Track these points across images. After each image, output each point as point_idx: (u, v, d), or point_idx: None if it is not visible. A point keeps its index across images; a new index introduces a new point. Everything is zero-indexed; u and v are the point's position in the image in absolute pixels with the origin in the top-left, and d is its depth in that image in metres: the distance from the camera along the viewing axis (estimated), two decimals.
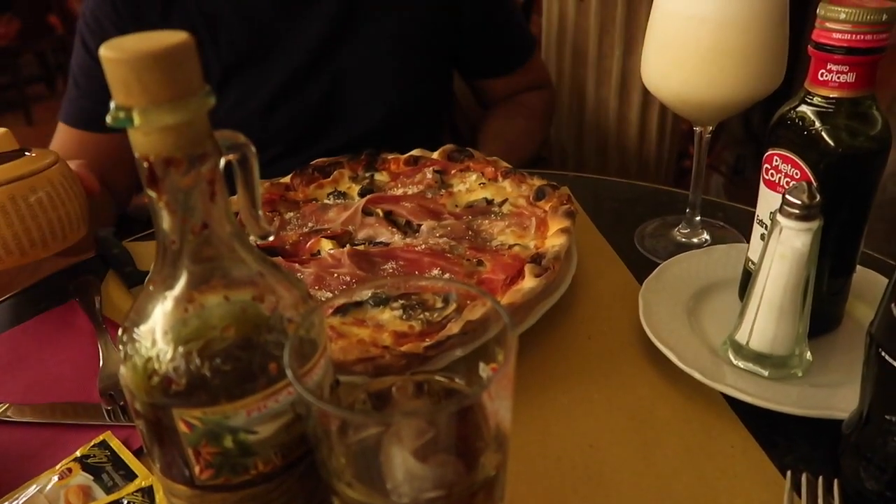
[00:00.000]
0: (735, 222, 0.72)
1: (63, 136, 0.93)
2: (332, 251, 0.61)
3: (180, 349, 0.33)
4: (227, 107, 0.93)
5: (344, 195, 0.72)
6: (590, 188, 0.83)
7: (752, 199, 0.56)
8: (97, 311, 0.61)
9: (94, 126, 0.93)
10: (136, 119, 0.30)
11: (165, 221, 0.33)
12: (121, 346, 0.35)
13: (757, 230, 0.55)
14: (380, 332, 0.50)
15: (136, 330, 0.34)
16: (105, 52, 0.29)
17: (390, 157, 0.77)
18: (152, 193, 0.32)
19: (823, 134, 0.47)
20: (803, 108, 0.48)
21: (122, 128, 0.31)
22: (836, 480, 0.41)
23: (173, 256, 0.33)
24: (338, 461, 0.33)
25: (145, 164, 0.31)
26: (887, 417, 0.38)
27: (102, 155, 0.90)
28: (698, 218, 0.69)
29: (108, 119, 0.30)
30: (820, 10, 0.46)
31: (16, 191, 0.59)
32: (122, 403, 0.50)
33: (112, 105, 0.30)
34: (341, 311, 0.51)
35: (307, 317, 0.35)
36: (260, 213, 0.38)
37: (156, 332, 0.34)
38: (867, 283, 0.57)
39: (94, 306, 0.61)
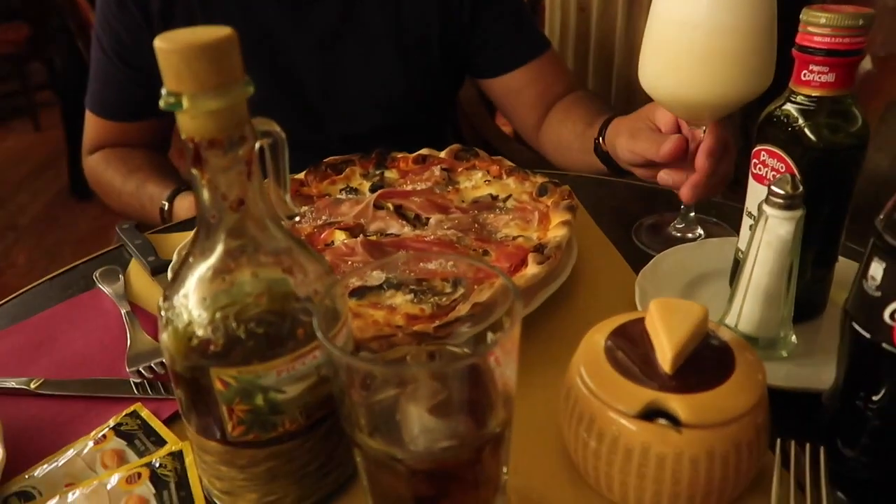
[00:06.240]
0: (728, 219, 0.75)
1: (91, 121, 1.04)
2: (346, 241, 0.64)
3: (218, 314, 0.37)
4: None
5: (356, 191, 0.76)
6: (590, 187, 0.86)
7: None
8: (123, 296, 0.64)
9: (114, 116, 1.02)
10: (185, 103, 0.33)
11: (206, 198, 0.36)
12: (162, 313, 0.38)
13: (746, 222, 0.58)
14: (393, 313, 0.54)
15: (176, 297, 0.38)
16: (159, 43, 0.33)
17: (399, 155, 0.81)
18: (196, 172, 0.36)
19: (806, 130, 0.51)
20: (788, 106, 0.52)
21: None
22: (821, 448, 0.44)
23: (212, 230, 0.37)
24: (360, 417, 0.36)
25: (191, 145, 0.35)
26: (859, 387, 0.41)
27: (124, 135, 1.02)
28: (693, 214, 0.72)
29: (161, 103, 0.34)
30: (802, 16, 0.50)
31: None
32: (150, 378, 0.53)
33: (163, 91, 0.34)
34: (357, 293, 0.55)
35: (331, 288, 0.39)
36: (288, 195, 0.42)
37: (195, 299, 0.37)
38: (849, 273, 0.60)
39: (120, 292, 0.64)
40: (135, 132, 1.02)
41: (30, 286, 0.70)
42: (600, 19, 1.32)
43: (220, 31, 0.34)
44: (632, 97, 1.32)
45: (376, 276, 0.56)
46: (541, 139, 1.03)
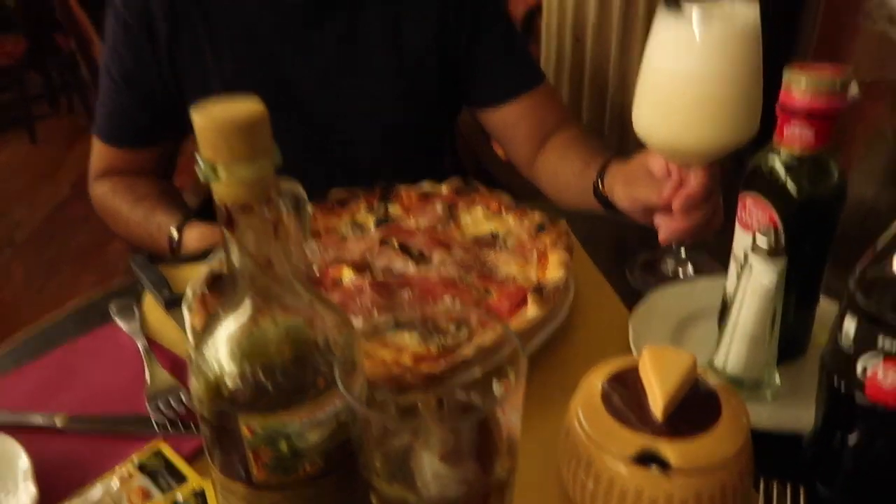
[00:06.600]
0: (718, 254, 0.78)
1: (98, 148, 1.07)
2: (354, 280, 0.67)
3: (246, 366, 0.40)
4: None
5: (361, 226, 0.79)
6: (586, 222, 0.89)
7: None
8: (140, 331, 0.67)
9: (121, 143, 1.05)
10: (221, 173, 0.36)
11: (236, 257, 0.39)
12: (193, 362, 0.41)
13: (733, 265, 0.62)
14: (401, 353, 0.57)
15: (206, 348, 0.41)
16: (197, 118, 0.36)
17: (402, 190, 0.84)
18: (227, 233, 0.39)
19: (788, 183, 0.55)
20: (771, 159, 0.56)
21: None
22: (801, 489, 0.47)
23: (241, 286, 0.40)
24: (376, 462, 0.39)
25: (224, 209, 0.38)
26: (835, 432, 0.44)
27: (131, 162, 1.05)
28: (683, 252, 0.76)
29: (199, 173, 0.37)
30: (785, 76, 0.53)
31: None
32: (169, 416, 0.56)
33: (200, 160, 0.37)
34: (366, 334, 0.57)
35: (349, 340, 0.42)
36: (308, 247, 0.45)
37: (225, 352, 0.40)
38: (831, 314, 0.63)
39: (137, 326, 0.67)
40: (141, 158, 1.05)
41: (47, 320, 0.72)
42: (595, 49, 1.37)
43: (253, 107, 0.37)
44: (625, 126, 1.37)
45: (385, 319, 0.59)
46: (537, 173, 1.06)
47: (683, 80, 0.64)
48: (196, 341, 0.41)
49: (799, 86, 0.52)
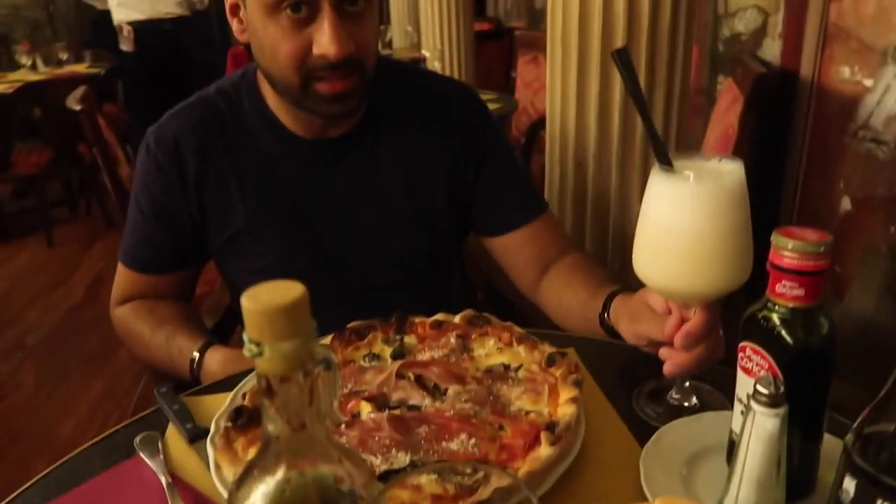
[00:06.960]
0: (720, 384, 0.81)
1: (123, 274, 1.12)
2: (372, 415, 0.70)
3: None
4: (251, 256, 1.06)
5: (377, 357, 0.82)
6: (593, 346, 0.93)
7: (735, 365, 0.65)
8: (164, 466, 0.69)
9: (146, 270, 1.10)
10: (266, 351, 0.40)
11: (272, 421, 0.43)
12: None
13: (737, 406, 0.64)
14: (419, 494, 0.59)
15: None
16: (245, 303, 0.41)
17: (417, 320, 0.88)
18: (266, 401, 0.42)
19: (782, 333, 0.58)
20: (766, 311, 0.60)
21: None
22: None
23: (276, 447, 0.43)
24: None
25: (265, 381, 0.42)
26: None
27: (154, 287, 1.10)
28: (688, 384, 0.79)
29: (245, 351, 0.41)
30: (773, 238, 0.58)
31: None
32: None
33: (246, 339, 0.41)
34: (384, 476, 0.60)
35: (374, 496, 0.44)
36: (337, 404, 0.48)
37: None
38: (836, 450, 0.65)
39: (161, 462, 0.69)
40: (164, 284, 1.10)
41: (72, 453, 0.74)
42: (596, 175, 1.44)
43: (295, 291, 0.41)
44: (627, 252, 1.42)
45: (402, 459, 0.61)
46: (541, 298, 1.10)
47: (678, 232, 0.69)
48: (231, 500, 0.44)
49: (786, 249, 0.57)
